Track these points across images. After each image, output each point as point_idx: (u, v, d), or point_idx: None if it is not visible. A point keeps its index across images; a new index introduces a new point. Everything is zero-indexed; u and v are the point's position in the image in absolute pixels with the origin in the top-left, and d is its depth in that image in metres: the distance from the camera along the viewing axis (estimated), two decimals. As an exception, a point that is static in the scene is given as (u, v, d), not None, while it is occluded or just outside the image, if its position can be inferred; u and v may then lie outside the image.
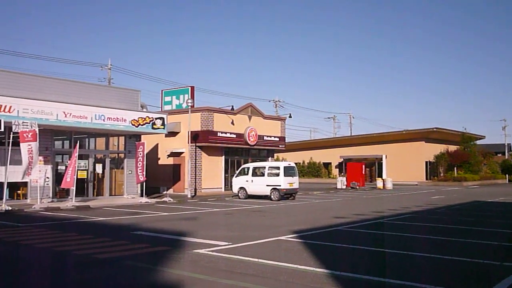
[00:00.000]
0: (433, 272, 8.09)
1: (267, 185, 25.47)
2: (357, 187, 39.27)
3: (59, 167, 22.34)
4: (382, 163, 49.21)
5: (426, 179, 49.77)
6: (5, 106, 18.04)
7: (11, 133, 18.20)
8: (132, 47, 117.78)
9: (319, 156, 57.14)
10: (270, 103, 60.48)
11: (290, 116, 38.60)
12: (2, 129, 17.59)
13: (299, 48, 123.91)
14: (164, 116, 24.19)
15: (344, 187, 39.52)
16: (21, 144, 18.21)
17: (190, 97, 29.27)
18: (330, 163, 56.52)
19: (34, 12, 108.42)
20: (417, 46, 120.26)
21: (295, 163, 29.69)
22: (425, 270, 8.30)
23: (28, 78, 21.27)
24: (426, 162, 50.51)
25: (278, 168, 25.78)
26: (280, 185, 25.03)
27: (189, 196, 26.20)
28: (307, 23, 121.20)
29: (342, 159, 53.88)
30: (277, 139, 34.49)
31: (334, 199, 27.36)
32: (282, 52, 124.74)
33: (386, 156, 48.71)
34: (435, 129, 49.19)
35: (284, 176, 25.10)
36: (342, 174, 47.76)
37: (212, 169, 30.05)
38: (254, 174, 26.32)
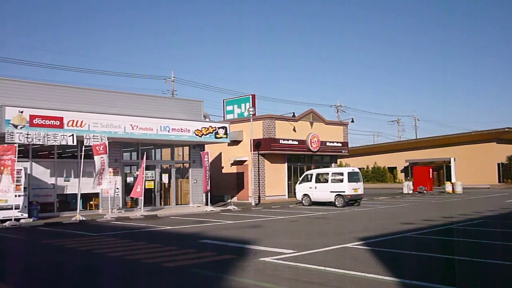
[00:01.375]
0: (510, 282, 7.69)
1: (331, 192, 25.21)
2: (425, 191, 38.08)
3: (127, 178, 23.14)
4: (450, 166, 47.41)
5: (499, 181, 47.50)
6: (77, 121, 18.93)
7: (83, 146, 19.05)
8: (193, 58, 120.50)
9: (384, 160, 55.92)
10: (331, 109, 60.04)
11: (352, 121, 38.01)
12: (75, 143, 18.47)
13: (360, 52, 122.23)
14: (226, 125, 24.53)
15: (411, 192, 38.42)
16: (94, 156, 19.03)
17: (251, 106, 29.53)
18: (395, 168, 55.18)
19: (100, 31, 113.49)
20: (483, 41, 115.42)
21: (359, 168, 29.20)
22: (500, 279, 7.90)
23: (96, 93, 22.27)
24: (498, 164, 48.23)
25: (341, 174, 25.46)
26: (344, 191, 24.70)
27: (253, 204, 26.36)
28: (369, 24, 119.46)
29: (408, 163, 52.47)
30: (340, 144, 34.09)
31: (400, 204, 26.65)
32: (343, 57, 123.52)
33: (454, 158, 46.90)
34: (507, 129, 46.90)
35: (348, 182, 24.76)
36: (408, 178, 46.48)
37: (275, 177, 30.10)
38: (318, 180, 26.13)
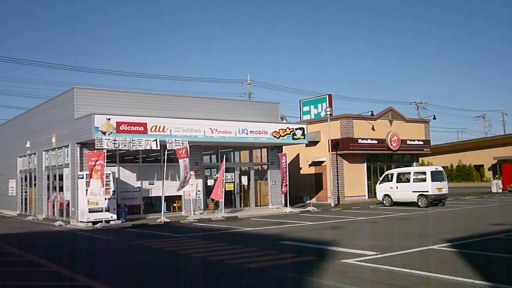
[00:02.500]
0: None
1: (413, 191, 24.43)
2: (516, 190, 35.89)
3: (208, 180, 23.72)
4: (544, 163, 44.35)
5: None
6: (159, 126, 19.67)
7: (166, 150, 19.78)
8: (269, 60, 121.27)
9: (469, 158, 53.31)
10: (411, 106, 58.10)
11: (434, 118, 36.59)
12: (158, 147, 19.21)
13: (441, 45, 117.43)
14: (304, 126, 24.48)
15: (500, 191, 36.38)
16: (179, 160, 19.67)
17: (328, 106, 29.24)
18: (482, 165, 52.44)
19: (179, 39, 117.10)
20: None
21: (442, 167, 28.06)
22: None
23: (176, 99, 23.08)
24: None
25: (424, 173, 24.60)
26: (427, 191, 23.85)
27: (332, 205, 26.11)
28: (449, 12, 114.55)
29: (496, 161, 49.68)
30: (421, 142, 32.94)
31: (489, 204, 25.31)
32: (422, 51, 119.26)
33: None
34: None
35: (432, 181, 23.88)
36: (497, 176, 43.99)
37: (354, 177, 29.62)
38: (399, 180, 25.42)
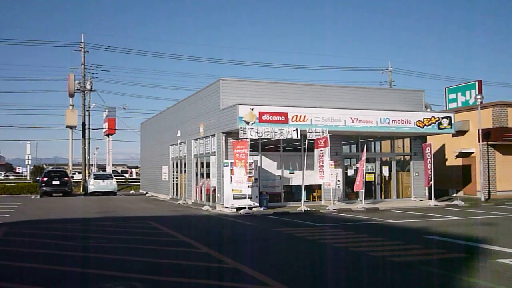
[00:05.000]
0: None
1: None
2: None
3: (348, 170, 23.50)
4: None
5: None
6: (300, 116, 19.89)
7: (306, 140, 19.97)
8: (411, 47, 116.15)
9: None
10: None
11: None
12: (299, 137, 19.46)
13: None
14: (451, 115, 23.05)
15: None
16: (315, 150, 19.84)
17: (478, 93, 27.18)
18: None
19: (321, 27, 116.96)
20: None
21: None
22: None
23: (316, 88, 23.15)
24: None
25: None
26: None
27: (482, 199, 24.30)
28: None
29: None
30: None
31: None
32: None
33: None
34: None
35: None
36: None
37: (508, 170, 27.18)
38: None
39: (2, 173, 69.92)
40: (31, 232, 13.57)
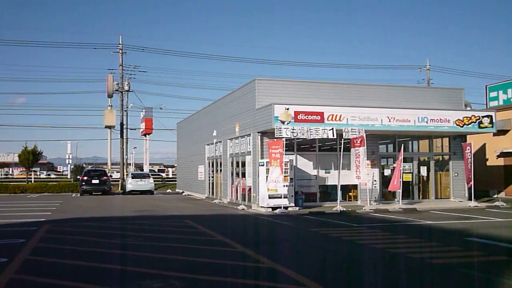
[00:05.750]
0: None
1: None
2: None
3: (384, 170, 23.17)
4: None
5: None
6: (336, 115, 19.73)
7: (342, 139, 19.80)
8: (449, 45, 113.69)
9: None
10: None
11: None
12: (335, 136, 19.31)
13: None
14: (492, 113, 22.42)
15: None
16: (351, 149, 19.67)
17: (521, 91, 26.36)
18: None
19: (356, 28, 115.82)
20: None
21: None
22: None
23: (352, 87, 22.90)
24: None
25: None
26: None
27: (525, 200, 23.58)
28: None
29: None
30: None
31: None
32: None
33: None
34: None
35: None
36: None
37: (553, 170, 26.28)
38: None
39: (44, 172, 71.95)
40: (72, 230, 13.92)
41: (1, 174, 54.89)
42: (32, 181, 40.83)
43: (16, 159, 43.77)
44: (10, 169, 67.43)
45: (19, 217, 17.48)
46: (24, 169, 43.86)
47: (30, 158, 39.12)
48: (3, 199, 28.24)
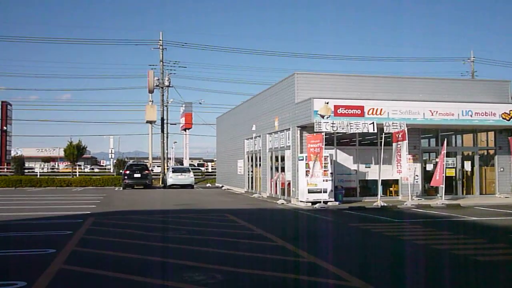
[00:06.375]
0: None
1: None
2: None
3: (426, 165, 22.73)
4: None
5: None
6: (376, 109, 19.46)
7: (383, 133, 19.53)
8: (496, 35, 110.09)
9: None
10: None
11: None
12: (375, 131, 19.06)
13: None
14: (540, 106, 21.62)
15: None
16: (393, 144, 19.40)
17: None
18: None
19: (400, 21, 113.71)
20: None
21: None
22: None
23: (392, 80, 22.58)
24: None
25: None
26: None
27: None
28: None
29: None
30: None
31: None
32: None
33: None
34: None
35: None
36: None
37: None
38: None
39: (88, 166, 73.91)
40: (116, 223, 14.28)
41: (48, 168, 56.67)
42: (77, 175, 41.99)
43: (62, 154, 45.09)
44: (56, 163, 69.54)
45: (66, 209, 18.05)
46: (69, 163, 45.17)
47: (75, 153, 40.21)
48: (50, 192, 29.21)
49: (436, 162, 21.00)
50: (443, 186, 20.10)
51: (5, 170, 44.60)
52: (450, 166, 22.03)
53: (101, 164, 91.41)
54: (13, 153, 50.61)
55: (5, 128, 46.51)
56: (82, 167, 61.59)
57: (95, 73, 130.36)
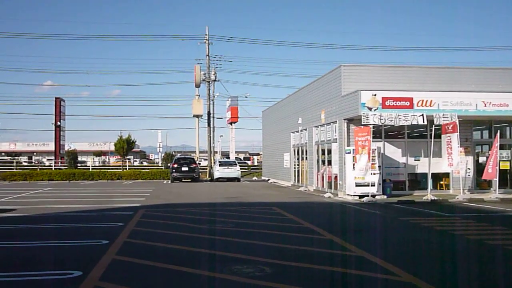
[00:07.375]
0: None
1: None
2: None
3: (479, 157, 22.01)
4: None
5: None
6: (426, 101, 18.98)
7: (433, 126, 19.04)
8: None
9: None
10: None
11: None
12: (425, 123, 18.60)
13: None
14: None
15: None
16: (442, 136, 18.91)
17: None
18: None
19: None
20: None
21: None
22: None
23: (444, 71, 21.96)
24: None
25: None
26: None
27: None
28: None
29: None
30: None
31: None
32: None
33: None
34: None
35: None
36: None
37: None
38: None
39: (137, 160, 75.69)
40: (165, 215, 14.57)
41: (99, 161, 58.40)
42: (127, 169, 43.06)
43: (112, 148, 46.29)
44: (107, 157, 71.61)
45: (117, 202, 18.57)
46: (119, 157, 46.35)
47: (125, 147, 41.21)
48: (101, 185, 30.10)
49: (489, 155, 20.31)
50: (497, 179, 19.43)
51: (60, 164, 46.28)
52: (504, 159, 21.27)
53: (150, 158, 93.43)
54: (66, 148, 52.35)
55: (59, 123, 48.14)
56: (132, 161, 63.07)
57: (144, 69, 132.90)
